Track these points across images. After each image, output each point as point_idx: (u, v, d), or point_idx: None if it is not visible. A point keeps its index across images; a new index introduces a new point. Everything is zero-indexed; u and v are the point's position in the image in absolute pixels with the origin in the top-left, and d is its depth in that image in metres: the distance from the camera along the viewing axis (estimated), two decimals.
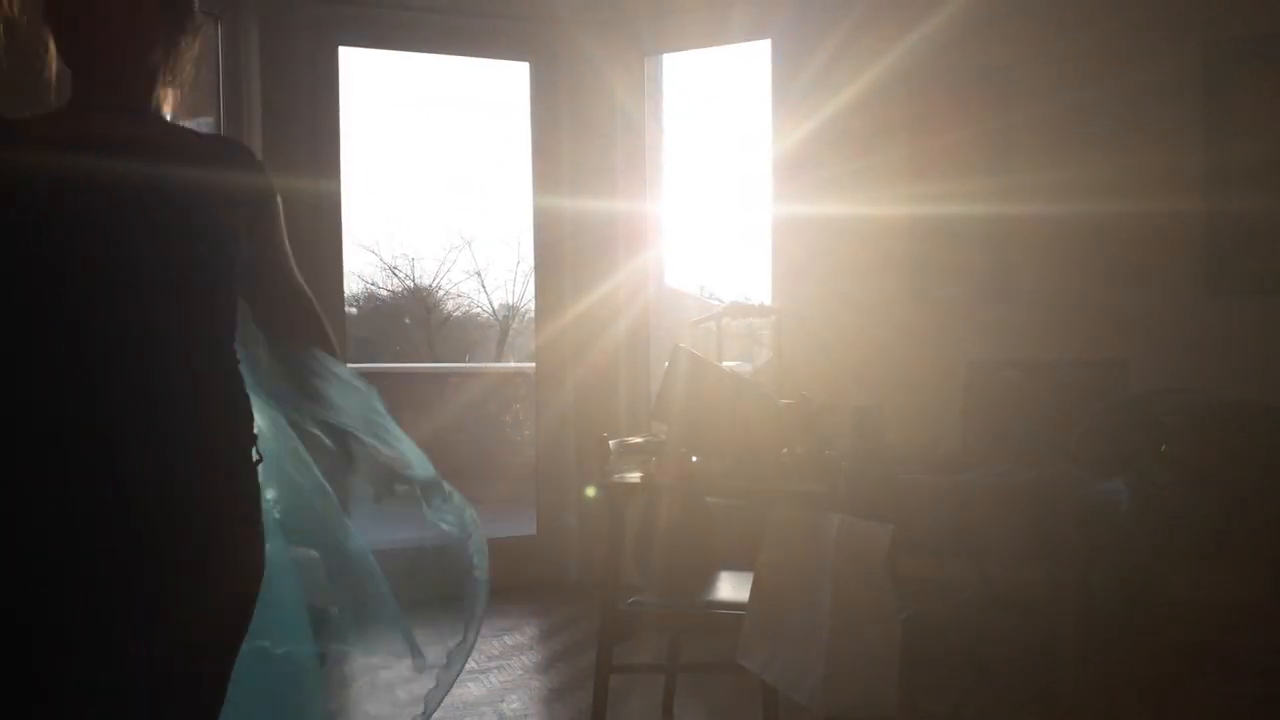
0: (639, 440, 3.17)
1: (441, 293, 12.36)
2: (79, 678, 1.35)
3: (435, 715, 2.22)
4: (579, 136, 4.74)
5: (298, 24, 4.28)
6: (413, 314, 12.17)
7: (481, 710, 3.21)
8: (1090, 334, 3.63)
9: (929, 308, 4.01)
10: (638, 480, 2.92)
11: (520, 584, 4.63)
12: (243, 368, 1.54)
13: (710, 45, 4.76)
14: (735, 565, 3.03)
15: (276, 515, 1.64)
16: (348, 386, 1.67)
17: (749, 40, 4.59)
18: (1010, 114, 3.85)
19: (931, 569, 3.15)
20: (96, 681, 1.36)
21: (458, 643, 1.77)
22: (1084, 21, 3.75)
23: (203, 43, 1.63)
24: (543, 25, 4.69)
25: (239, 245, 1.55)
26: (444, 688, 1.80)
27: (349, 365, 1.82)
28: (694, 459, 2.89)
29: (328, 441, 1.66)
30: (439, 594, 1.87)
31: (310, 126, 4.30)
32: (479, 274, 12.15)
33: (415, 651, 1.77)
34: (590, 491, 4.43)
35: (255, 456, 1.49)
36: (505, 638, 3.97)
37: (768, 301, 4.28)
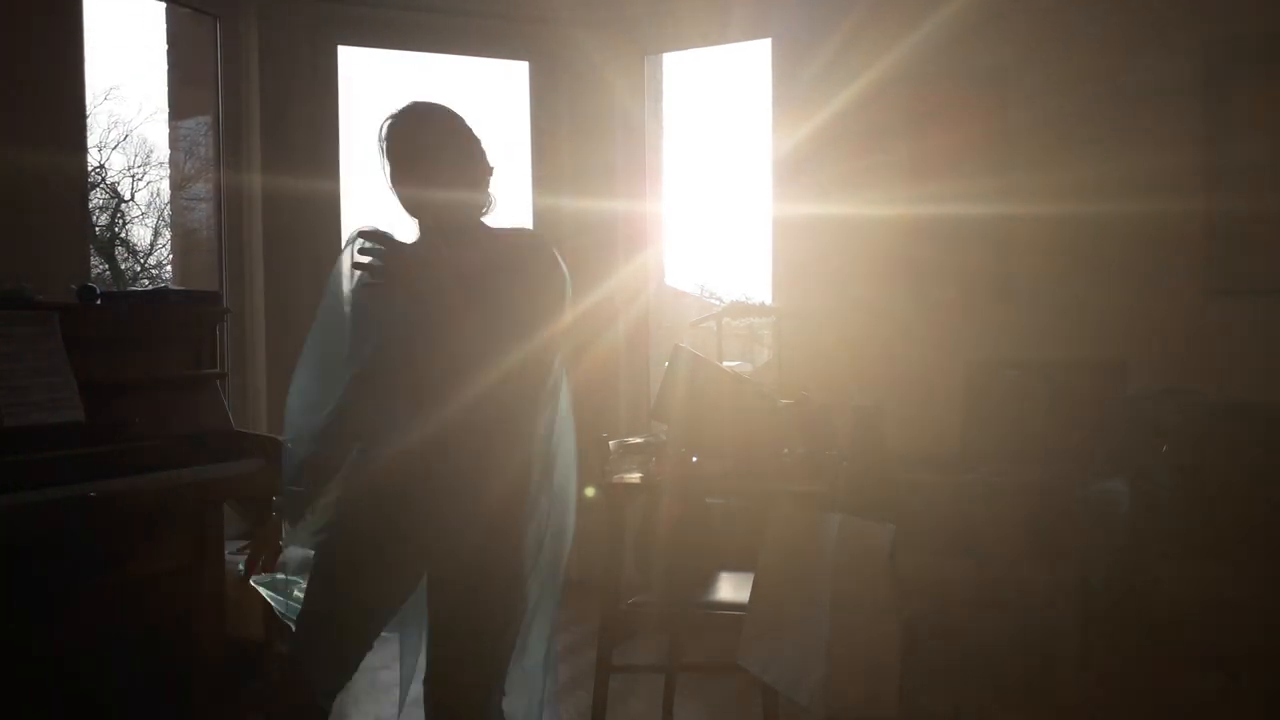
0: (639, 440, 3.17)
1: None
2: None
3: None
4: (579, 136, 4.74)
5: (297, 24, 4.27)
6: None
7: None
8: (1090, 334, 3.63)
9: (929, 308, 4.01)
10: (638, 480, 2.92)
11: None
12: None
13: (710, 44, 4.75)
14: (735, 565, 3.03)
15: None
16: None
17: (749, 39, 4.59)
18: (1010, 114, 3.85)
19: (931, 569, 3.15)
20: None
21: None
22: (1084, 22, 3.74)
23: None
24: (543, 25, 4.69)
25: None
26: None
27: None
28: (694, 459, 2.89)
29: None
30: None
31: (310, 126, 4.29)
32: None
33: None
34: (590, 491, 4.42)
35: None
36: None
37: (768, 301, 4.27)
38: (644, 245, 4.79)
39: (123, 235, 11.24)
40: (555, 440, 2.05)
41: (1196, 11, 3.57)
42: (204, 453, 2.63)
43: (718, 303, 5.42)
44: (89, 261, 4.02)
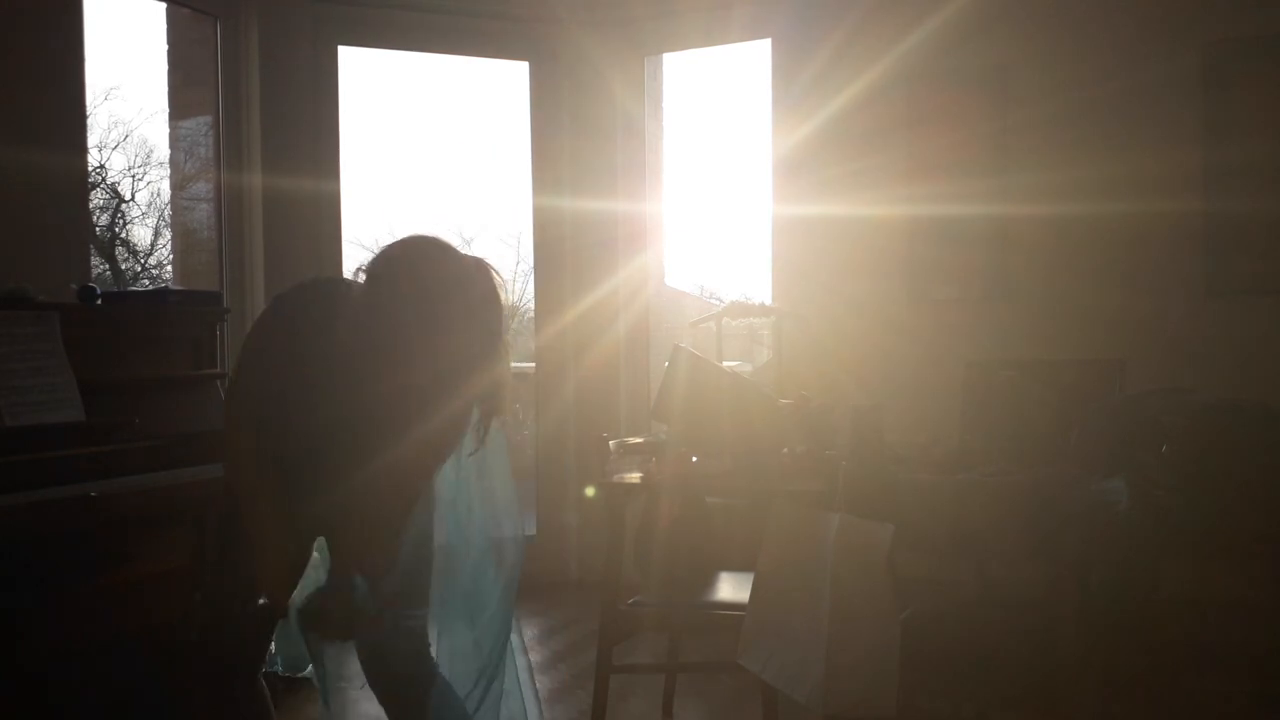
0: (639, 440, 3.17)
1: None
2: None
3: None
4: (579, 136, 4.74)
5: (298, 24, 4.28)
6: None
7: None
8: (1089, 334, 3.63)
9: (929, 308, 4.01)
10: (638, 480, 2.92)
11: (520, 584, 4.63)
12: None
13: (711, 45, 4.76)
14: (735, 565, 3.03)
15: None
16: None
17: (749, 40, 4.59)
18: (1010, 114, 3.85)
19: (931, 569, 3.15)
20: None
21: None
22: (1084, 22, 3.75)
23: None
24: (543, 25, 4.69)
25: None
26: None
27: None
28: (694, 459, 2.89)
29: None
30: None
31: (310, 126, 4.30)
32: None
33: None
34: (590, 491, 4.44)
35: None
36: None
37: (768, 301, 4.28)
38: (644, 245, 4.79)
39: (123, 235, 11.23)
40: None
41: (1196, 12, 3.57)
42: (204, 453, 2.63)
43: (718, 303, 5.42)
44: (89, 262, 4.02)
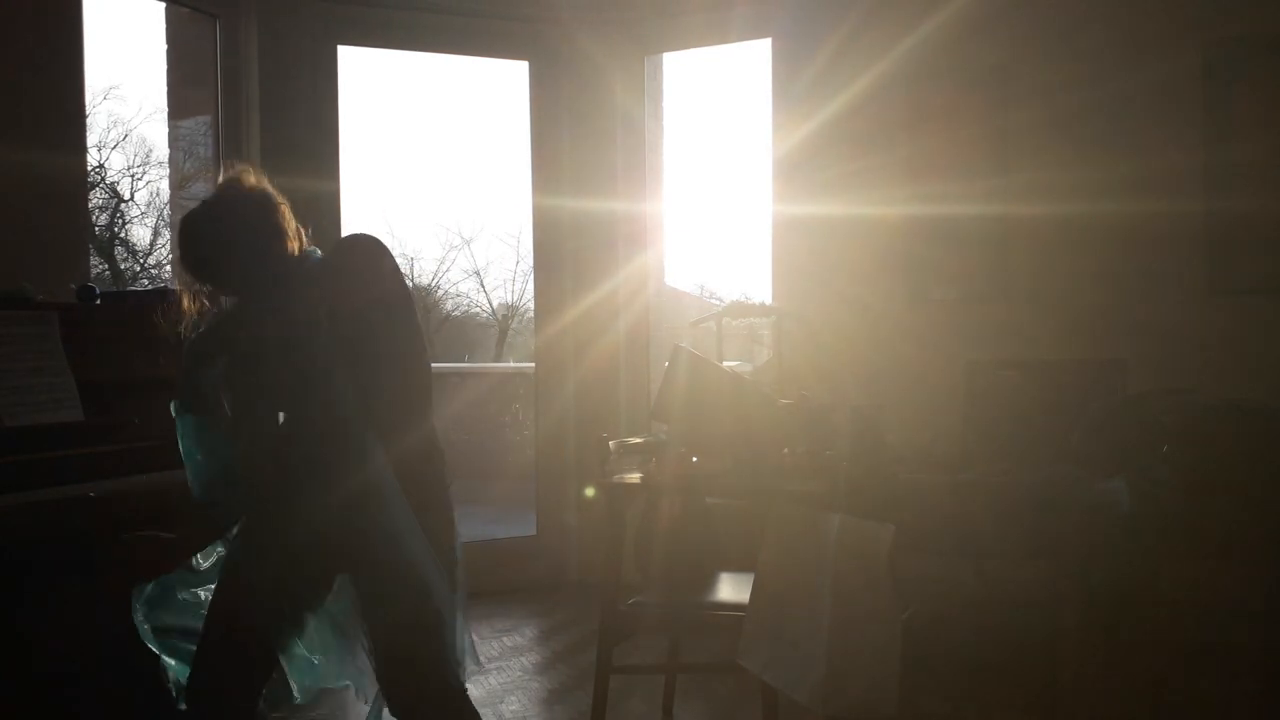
0: (639, 440, 3.17)
1: (440, 292, 12.38)
2: None
3: None
4: (579, 136, 4.74)
5: (297, 23, 4.28)
6: None
7: (480, 711, 3.19)
8: (1090, 334, 3.63)
9: (928, 308, 4.01)
10: (638, 480, 2.92)
11: (520, 584, 4.63)
12: None
13: (711, 44, 4.76)
14: (735, 565, 3.03)
15: None
16: None
17: (750, 39, 4.59)
18: (1010, 114, 3.85)
19: (931, 569, 3.15)
20: None
21: None
22: (1084, 22, 3.74)
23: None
24: (543, 24, 4.69)
25: None
26: None
27: None
28: (694, 459, 2.89)
29: None
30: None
31: (310, 126, 4.30)
32: (478, 274, 12.16)
33: None
34: (590, 491, 4.44)
35: None
36: (504, 638, 3.96)
37: (768, 301, 4.28)
38: (644, 245, 4.79)
39: (122, 235, 11.25)
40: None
41: (1196, 12, 3.56)
42: None
43: (718, 303, 5.43)
44: (89, 261, 4.02)
